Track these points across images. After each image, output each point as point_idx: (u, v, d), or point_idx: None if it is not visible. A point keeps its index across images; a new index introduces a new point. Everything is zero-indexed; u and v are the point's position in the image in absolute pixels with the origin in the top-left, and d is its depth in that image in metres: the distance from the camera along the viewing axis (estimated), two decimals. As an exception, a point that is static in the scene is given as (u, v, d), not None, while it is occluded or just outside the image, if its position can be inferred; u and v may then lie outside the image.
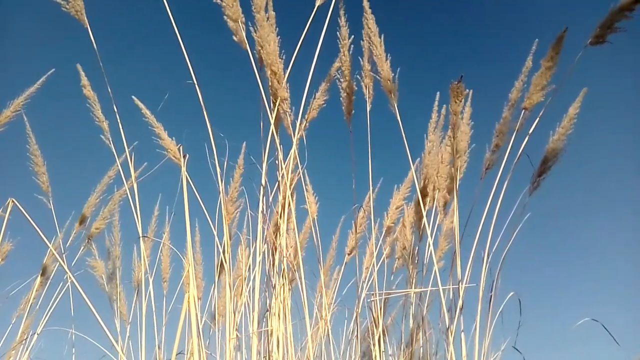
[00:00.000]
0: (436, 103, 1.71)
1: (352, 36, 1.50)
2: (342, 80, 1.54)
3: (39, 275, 1.68)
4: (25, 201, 1.51)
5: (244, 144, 1.57)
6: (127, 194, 1.53)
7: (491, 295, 1.42)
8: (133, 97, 1.52)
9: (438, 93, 1.72)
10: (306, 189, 1.70)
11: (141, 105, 1.49)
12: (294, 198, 1.42)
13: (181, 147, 1.35)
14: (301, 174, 1.46)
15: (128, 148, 1.53)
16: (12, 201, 1.28)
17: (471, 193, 1.56)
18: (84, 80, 1.62)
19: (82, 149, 2.70)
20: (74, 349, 1.71)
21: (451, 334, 1.37)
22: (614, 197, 3.04)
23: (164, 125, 1.47)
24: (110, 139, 1.60)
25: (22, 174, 1.77)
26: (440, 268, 1.50)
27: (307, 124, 1.54)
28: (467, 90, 1.48)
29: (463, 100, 1.48)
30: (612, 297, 2.53)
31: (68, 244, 1.84)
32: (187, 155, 1.30)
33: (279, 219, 1.41)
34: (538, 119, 1.46)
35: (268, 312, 1.40)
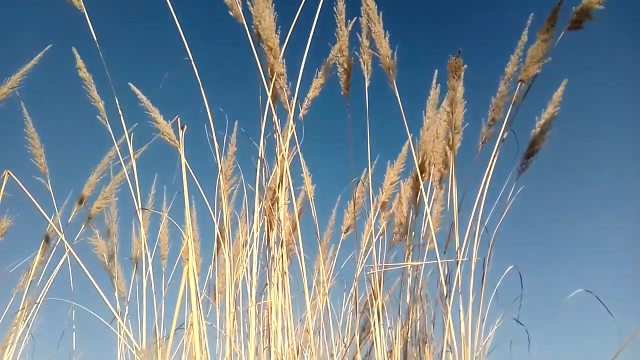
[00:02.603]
0: (434, 80, 1.72)
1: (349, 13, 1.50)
2: (339, 56, 1.54)
3: (39, 252, 1.68)
4: (24, 182, 1.51)
5: (236, 123, 1.58)
6: (126, 173, 1.54)
7: (484, 271, 1.44)
8: (129, 83, 1.53)
9: (436, 70, 1.73)
10: (304, 169, 1.71)
11: (137, 90, 1.50)
12: (291, 162, 1.43)
13: (178, 119, 1.36)
14: (298, 149, 1.47)
15: (126, 127, 1.54)
16: (8, 173, 1.27)
17: (462, 168, 1.57)
18: (79, 63, 1.63)
19: (80, 132, 2.69)
20: (74, 326, 1.72)
21: (449, 304, 1.39)
22: (609, 173, 3.06)
23: (162, 101, 1.48)
24: (107, 119, 1.61)
25: (20, 155, 1.76)
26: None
27: (310, 103, 1.54)
28: (465, 65, 1.49)
29: (461, 75, 1.48)
30: (607, 270, 2.55)
31: (67, 224, 1.84)
32: (186, 126, 1.30)
33: (277, 191, 1.41)
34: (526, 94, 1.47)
35: (267, 286, 1.41)
